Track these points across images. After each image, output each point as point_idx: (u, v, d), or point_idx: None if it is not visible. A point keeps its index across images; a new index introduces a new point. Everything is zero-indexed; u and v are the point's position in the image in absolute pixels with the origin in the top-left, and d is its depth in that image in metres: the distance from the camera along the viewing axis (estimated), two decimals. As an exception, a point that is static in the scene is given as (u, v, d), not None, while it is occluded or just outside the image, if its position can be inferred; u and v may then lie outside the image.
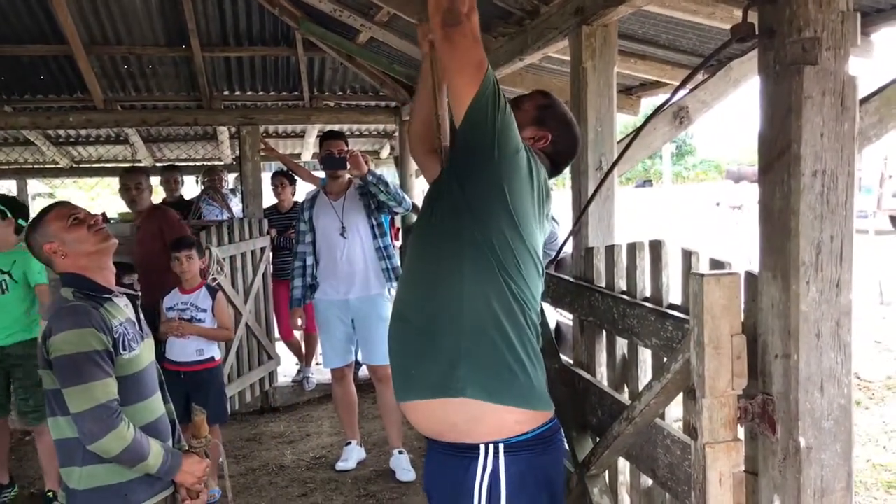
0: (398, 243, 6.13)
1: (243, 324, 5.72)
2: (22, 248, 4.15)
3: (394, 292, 5.87)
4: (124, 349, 2.23)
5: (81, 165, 8.07)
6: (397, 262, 4.78)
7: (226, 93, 6.27)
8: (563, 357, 2.81)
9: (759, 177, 1.70)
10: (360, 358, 5.13)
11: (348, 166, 4.55)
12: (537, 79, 4.27)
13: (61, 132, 7.13)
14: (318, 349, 6.24)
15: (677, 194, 27.97)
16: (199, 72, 5.79)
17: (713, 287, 1.68)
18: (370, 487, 4.54)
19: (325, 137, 4.78)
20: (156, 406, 2.35)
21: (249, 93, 6.35)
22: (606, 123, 2.71)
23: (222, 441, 5.32)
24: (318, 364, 6.55)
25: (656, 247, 2.25)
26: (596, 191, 2.55)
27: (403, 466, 4.65)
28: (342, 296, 4.68)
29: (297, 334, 6.53)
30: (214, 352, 4.33)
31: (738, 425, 1.74)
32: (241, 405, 5.82)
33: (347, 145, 4.78)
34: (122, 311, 2.31)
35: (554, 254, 2.95)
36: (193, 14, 5.35)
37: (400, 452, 4.72)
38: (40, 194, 13.62)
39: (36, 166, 7.93)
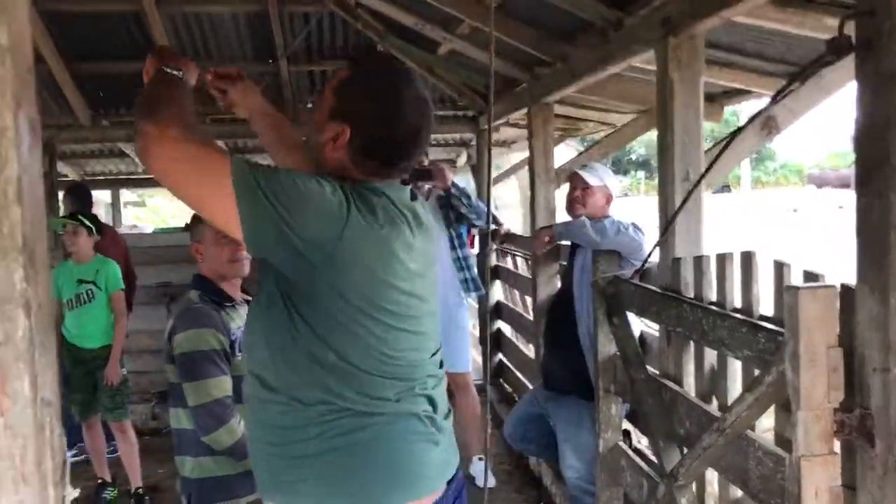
0: (475, 251, 6.18)
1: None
2: (99, 257, 4.42)
3: (472, 301, 5.95)
4: (240, 351, 2.38)
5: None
6: (476, 272, 4.83)
7: (309, 105, 6.45)
8: (649, 368, 2.82)
9: (856, 188, 1.70)
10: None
11: (433, 178, 4.64)
12: (620, 88, 4.28)
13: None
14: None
15: (756, 200, 27.31)
16: (284, 85, 5.98)
17: (809, 300, 1.68)
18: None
19: None
20: None
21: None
22: (693, 134, 2.72)
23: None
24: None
25: (747, 258, 2.25)
26: (683, 203, 2.56)
27: (483, 473, 4.69)
28: None
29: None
30: None
31: (835, 439, 1.73)
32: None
33: (427, 157, 4.87)
34: (242, 316, 2.46)
35: (639, 264, 2.96)
36: (280, 30, 5.53)
37: (480, 459, 4.76)
38: (131, 203, 14.22)
39: (130, 177, 8.30)
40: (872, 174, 1.65)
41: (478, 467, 4.72)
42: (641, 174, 49.32)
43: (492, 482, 4.62)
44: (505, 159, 8.34)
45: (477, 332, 6.58)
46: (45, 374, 1.56)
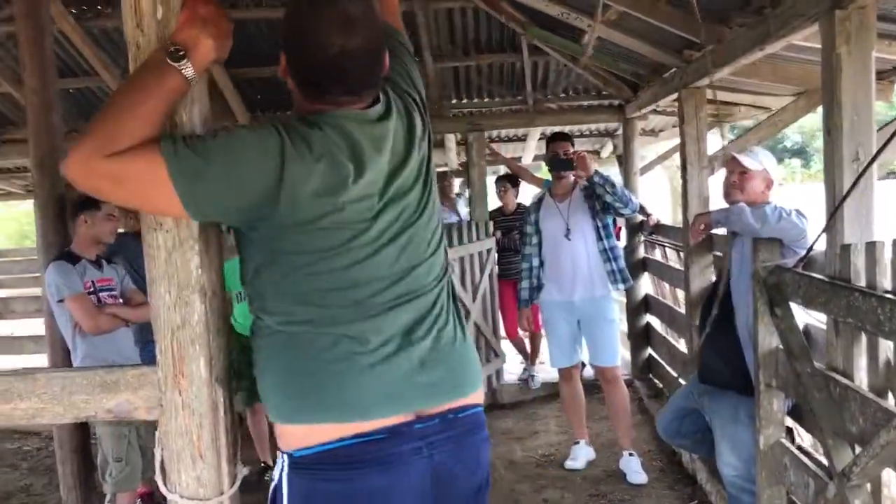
0: (622, 242, 6.06)
1: (472, 322, 5.93)
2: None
3: (620, 294, 5.84)
4: None
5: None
6: (623, 263, 4.74)
7: (454, 101, 6.53)
8: (816, 362, 2.67)
9: None
10: (584, 359, 5.14)
11: (575, 167, 4.59)
12: (777, 69, 4.07)
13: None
14: (542, 348, 6.36)
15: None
16: (430, 82, 6.07)
17: None
18: (601, 488, 4.54)
19: (551, 139, 4.86)
20: None
21: (476, 100, 6.56)
22: (864, 112, 2.54)
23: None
24: (542, 363, 6.65)
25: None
26: (853, 186, 2.40)
27: (634, 468, 4.61)
28: (567, 297, 4.72)
29: (522, 333, 6.66)
30: None
31: None
32: (470, 401, 6.02)
33: (574, 146, 4.82)
34: None
35: (803, 252, 2.80)
36: (426, 27, 5.62)
37: (630, 454, 4.68)
38: None
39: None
40: None
41: (628, 462, 4.64)
42: (797, 162, 46.69)
43: (643, 478, 4.54)
44: (652, 149, 8.13)
45: (625, 326, 6.46)
46: (218, 357, 1.68)
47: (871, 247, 2.36)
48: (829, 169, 2.63)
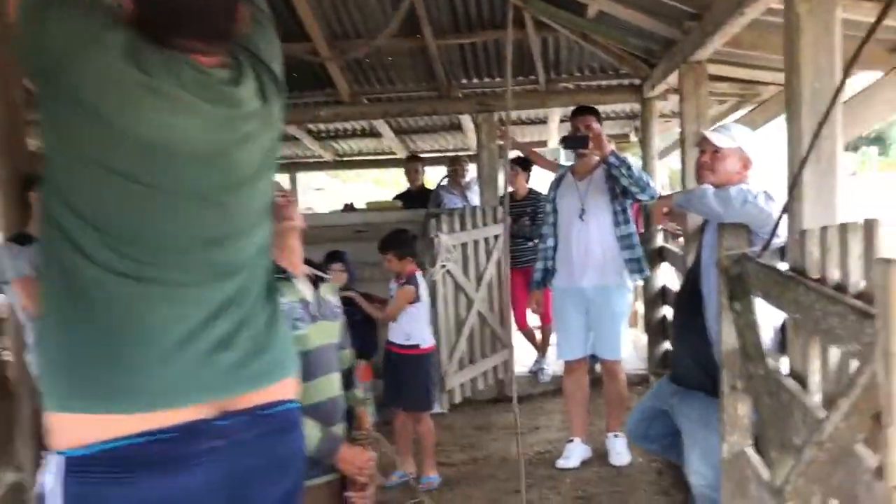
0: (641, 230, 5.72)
1: (475, 311, 5.69)
2: None
3: (637, 285, 5.51)
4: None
5: (344, 159, 8.62)
6: (640, 252, 4.45)
7: (463, 81, 6.28)
8: (771, 363, 2.36)
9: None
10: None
11: (590, 146, 4.30)
12: (758, 37, 3.70)
13: (322, 127, 7.64)
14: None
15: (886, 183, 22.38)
16: (434, 61, 5.84)
17: (905, 278, 1.24)
18: (590, 489, 4.27)
19: (574, 113, 4.60)
20: (324, 388, 2.34)
21: (486, 80, 6.30)
22: (826, 79, 2.22)
23: (453, 428, 5.37)
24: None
25: (870, 227, 1.77)
26: (805, 159, 2.09)
27: (617, 449, 4.47)
28: (576, 283, 4.46)
29: (534, 323, 6.40)
30: (419, 339, 4.41)
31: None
32: (473, 392, 5.80)
33: (600, 121, 4.51)
34: (297, 291, 2.32)
35: (768, 238, 2.49)
36: (423, 3, 5.38)
37: (616, 436, 4.51)
38: (317, 188, 14.86)
39: (303, 161, 8.62)
40: None
41: (612, 444, 4.52)
42: (874, 149, 44.69)
43: (626, 459, 4.44)
44: (677, 132, 7.71)
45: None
46: None
47: (824, 233, 2.05)
48: (791, 144, 2.32)
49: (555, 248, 4.56)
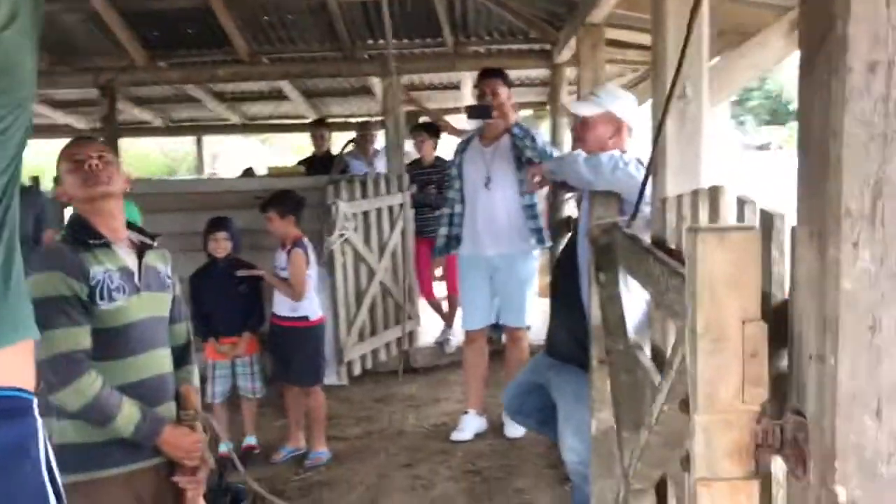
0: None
1: (377, 281, 5.52)
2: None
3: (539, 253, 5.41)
4: (102, 299, 2.04)
5: (254, 123, 8.30)
6: (541, 222, 4.36)
7: (369, 42, 6.04)
8: (633, 338, 2.26)
9: (798, 82, 1.11)
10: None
11: (494, 115, 4.15)
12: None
13: (227, 89, 7.31)
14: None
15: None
16: (335, 19, 5.59)
17: (713, 248, 1.11)
18: (480, 463, 4.18)
19: (479, 76, 4.42)
20: (147, 365, 2.14)
21: (393, 41, 6.06)
22: (693, 42, 2.09)
23: (352, 401, 5.23)
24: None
25: (715, 195, 1.66)
26: (662, 120, 1.97)
27: (511, 422, 4.35)
28: (481, 251, 4.34)
29: (441, 294, 6.27)
30: (308, 311, 4.21)
31: (757, 457, 1.17)
32: (374, 364, 5.64)
33: (508, 85, 4.33)
34: (118, 259, 2.11)
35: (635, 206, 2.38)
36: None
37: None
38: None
39: (210, 124, 8.27)
40: (815, 56, 1.05)
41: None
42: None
43: (520, 432, 4.37)
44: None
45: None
46: None
47: (679, 201, 1.94)
48: (655, 110, 2.19)
49: (462, 216, 4.42)
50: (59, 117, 7.80)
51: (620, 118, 2.74)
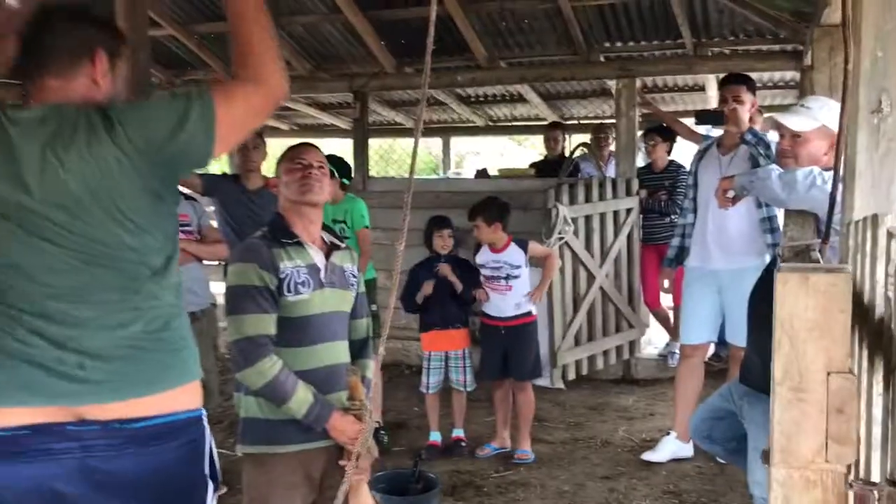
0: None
1: (597, 286, 5.47)
2: (351, 197, 4.54)
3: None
4: (289, 291, 2.28)
5: (498, 125, 8.54)
6: (780, 236, 4.07)
7: (606, 44, 5.97)
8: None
9: None
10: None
11: (726, 123, 3.99)
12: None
13: (469, 92, 7.60)
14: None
15: None
16: (570, 23, 5.59)
17: (795, 289, 1.02)
18: (682, 485, 4.02)
19: (722, 83, 4.28)
20: (326, 355, 2.34)
21: (630, 43, 5.95)
22: (892, 47, 1.87)
23: (565, 405, 5.23)
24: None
25: (875, 223, 1.48)
26: (840, 133, 1.78)
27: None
28: (707, 264, 4.14)
29: (667, 304, 6.05)
30: (532, 307, 4.39)
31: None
32: (589, 370, 5.61)
33: (754, 91, 4.13)
34: (308, 256, 2.35)
35: (825, 229, 2.16)
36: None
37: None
38: (474, 153, 14.80)
39: (458, 126, 8.64)
40: None
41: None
42: None
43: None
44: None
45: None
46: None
47: (858, 226, 1.75)
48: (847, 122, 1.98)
49: (693, 225, 4.25)
50: (325, 118, 8.57)
51: (835, 132, 2.49)
